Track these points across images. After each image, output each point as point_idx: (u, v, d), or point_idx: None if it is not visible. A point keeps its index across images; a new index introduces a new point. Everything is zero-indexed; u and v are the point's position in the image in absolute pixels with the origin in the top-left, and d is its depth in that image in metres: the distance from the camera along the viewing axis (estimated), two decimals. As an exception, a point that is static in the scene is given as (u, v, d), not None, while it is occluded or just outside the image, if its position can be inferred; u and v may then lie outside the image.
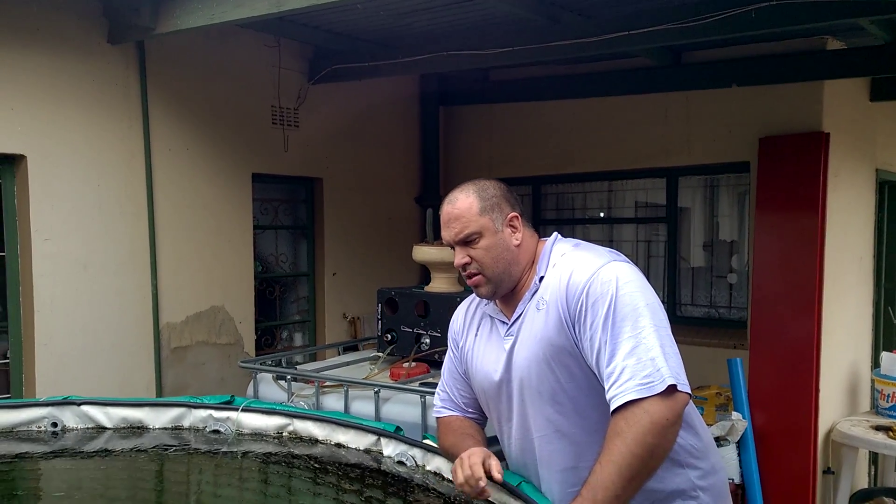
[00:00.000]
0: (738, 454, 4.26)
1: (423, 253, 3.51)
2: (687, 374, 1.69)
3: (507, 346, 1.85)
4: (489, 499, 1.83)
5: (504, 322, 1.88)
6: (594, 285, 1.70)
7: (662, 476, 1.74)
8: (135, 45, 3.96)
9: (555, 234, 1.94)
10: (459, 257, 1.85)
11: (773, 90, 4.47)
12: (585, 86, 5.04)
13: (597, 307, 1.68)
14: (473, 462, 1.69)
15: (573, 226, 5.77)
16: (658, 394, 1.58)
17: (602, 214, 5.70)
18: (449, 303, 3.23)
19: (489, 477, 1.69)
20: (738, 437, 4.22)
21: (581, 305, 1.71)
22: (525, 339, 1.81)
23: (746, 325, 4.66)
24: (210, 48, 4.32)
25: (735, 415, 4.24)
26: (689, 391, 1.64)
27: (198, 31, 3.83)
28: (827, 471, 4.49)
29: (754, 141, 4.51)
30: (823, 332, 4.32)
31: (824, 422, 4.43)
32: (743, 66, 4.47)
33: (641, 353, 1.62)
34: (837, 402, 4.71)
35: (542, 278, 1.83)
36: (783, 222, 4.39)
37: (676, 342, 1.70)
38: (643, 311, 1.66)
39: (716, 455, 1.93)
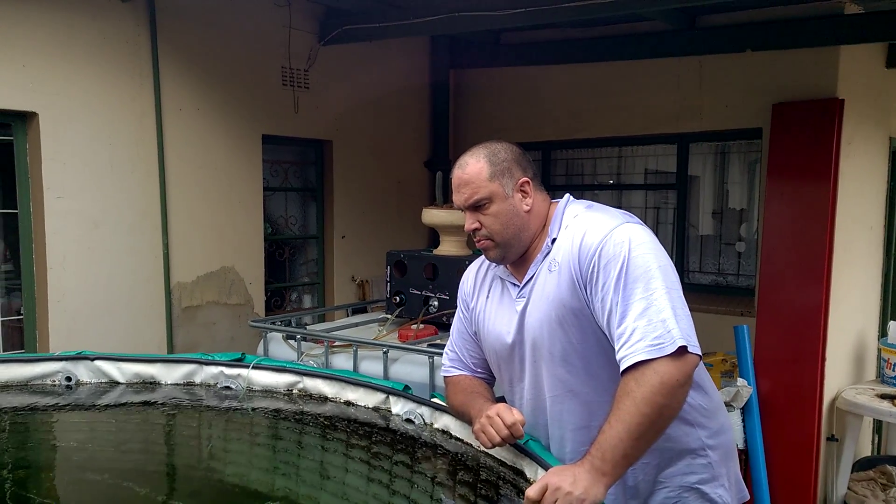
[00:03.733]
0: (743, 420, 4.29)
1: (433, 216, 3.52)
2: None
3: (519, 308, 1.85)
4: (496, 456, 1.87)
5: (515, 284, 1.89)
6: (607, 246, 1.70)
7: (672, 435, 1.76)
8: (145, 2, 3.93)
9: (567, 195, 1.93)
10: (469, 222, 1.85)
11: (787, 55, 4.40)
12: (597, 50, 4.97)
13: (609, 268, 1.68)
14: (508, 421, 1.72)
15: (582, 192, 5.74)
16: (668, 355, 1.59)
17: (612, 181, 5.68)
18: (457, 266, 3.24)
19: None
20: (743, 404, 4.25)
21: (593, 266, 1.71)
22: (537, 300, 1.82)
23: (754, 292, 4.66)
24: (220, 7, 4.28)
25: (740, 381, 4.26)
26: (700, 353, 1.65)
27: (208, -11, 3.80)
28: (831, 438, 4.53)
29: (767, 107, 4.45)
30: (831, 301, 4.31)
31: (829, 389, 4.45)
32: (758, 30, 4.39)
33: (652, 314, 1.62)
34: (843, 371, 4.73)
35: (554, 240, 1.83)
36: (794, 190, 4.36)
37: None
38: (655, 272, 1.66)
39: (724, 415, 1.95)
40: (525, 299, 1.85)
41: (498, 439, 1.74)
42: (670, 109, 4.95)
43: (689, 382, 1.64)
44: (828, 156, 4.24)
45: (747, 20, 4.44)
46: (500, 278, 1.94)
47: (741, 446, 4.25)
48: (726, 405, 4.09)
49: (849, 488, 4.50)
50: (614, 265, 1.68)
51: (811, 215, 4.29)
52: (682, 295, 1.69)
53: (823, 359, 4.31)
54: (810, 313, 4.29)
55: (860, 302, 4.97)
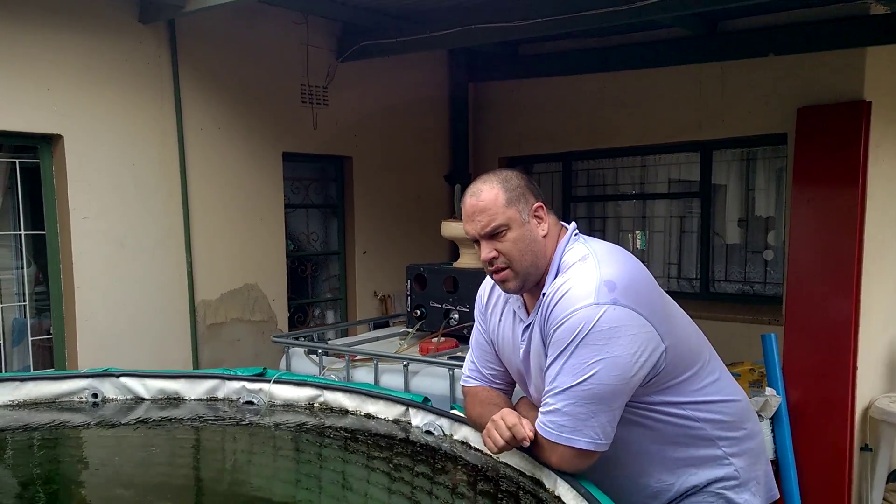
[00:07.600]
0: (773, 430, 4.21)
1: (452, 229, 3.51)
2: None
3: (521, 351, 1.86)
4: (516, 467, 1.85)
5: (521, 320, 1.87)
6: (568, 322, 1.65)
7: (691, 455, 1.79)
8: (166, 24, 4.00)
9: (571, 229, 1.84)
10: (486, 251, 1.76)
11: (811, 58, 4.34)
12: (617, 58, 4.96)
13: (559, 343, 1.67)
14: (510, 423, 1.74)
15: (605, 202, 5.71)
16: (564, 445, 1.66)
17: (634, 191, 5.64)
18: (477, 278, 3.20)
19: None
20: (772, 413, 4.16)
21: (552, 334, 1.69)
22: (531, 349, 1.82)
23: (782, 301, 4.58)
24: (239, 27, 4.35)
25: (769, 391, 4.18)
26: (603, 449, 1.67)
27: (226, 10, 3.86)
28: (864, 448, 4.42)
29: (792, 111, 4.39)
30: (862, 308, 4.22)
31: (862, 398, 4.35)
32: (781, 33, 4.35)
33: (568, 406, 1.65)
34: (876, 379, 4.62)
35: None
36: (822, 196, 4.28)
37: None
38: (593, 367, 1.62)
39: (751, 420, 1.91)
40: (525, 344, 1.84)
41: (502, 442, 1.74)
42: (692, 117, 4.91)
43: (579, 471, 1.70)
44: (856, 160, 4.17)
45: (769, 24, 4.40)
46: (511, 307, 1.92)
47: (771, 457, 4.16)
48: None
49: (884, 499, 4.39)
50: (563, 342, 1.65)
51: (839, 221, 4.22)
52: (616, 390, 1.64)
53: (855, 367, 4.22)
54: (840, 321, 4.20)
55: (893, 309, 4.86)
